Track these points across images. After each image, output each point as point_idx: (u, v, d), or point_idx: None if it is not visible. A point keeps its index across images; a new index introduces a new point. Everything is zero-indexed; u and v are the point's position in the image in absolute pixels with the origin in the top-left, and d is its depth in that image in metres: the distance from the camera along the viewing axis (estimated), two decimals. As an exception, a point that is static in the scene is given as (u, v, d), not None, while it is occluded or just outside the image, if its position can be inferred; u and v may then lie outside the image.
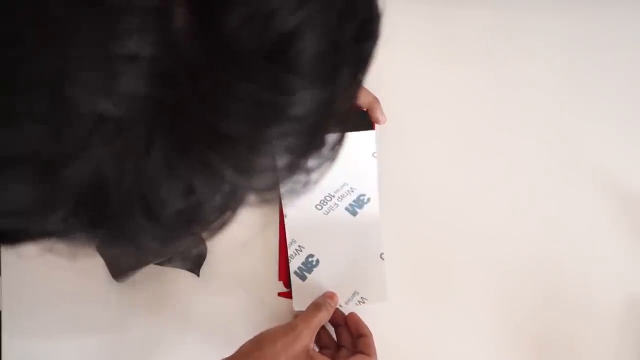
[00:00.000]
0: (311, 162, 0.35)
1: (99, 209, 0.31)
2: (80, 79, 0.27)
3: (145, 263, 0.84)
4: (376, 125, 0.85)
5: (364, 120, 0.84)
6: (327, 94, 0.32)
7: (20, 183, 0.29)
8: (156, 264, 0.84)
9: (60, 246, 0.34)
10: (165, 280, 0.86)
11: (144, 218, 0.31)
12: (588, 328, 0.85)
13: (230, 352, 0.79)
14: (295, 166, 0.34)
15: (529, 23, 0.89)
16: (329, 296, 0.81)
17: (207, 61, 0.28)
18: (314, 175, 0.36)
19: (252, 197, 0.35)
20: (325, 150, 0.35)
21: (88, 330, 0.86)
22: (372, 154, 0.83)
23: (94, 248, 0.34)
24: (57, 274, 0.86)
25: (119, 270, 0.85)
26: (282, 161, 0.33)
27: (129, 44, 0.27)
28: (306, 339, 0.75)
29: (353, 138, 0.82)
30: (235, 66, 0.29)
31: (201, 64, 0.28)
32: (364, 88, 0.82)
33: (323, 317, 0.79)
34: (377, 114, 0.83)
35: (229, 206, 0.34)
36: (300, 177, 0.36)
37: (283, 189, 0.36)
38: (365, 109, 0.83)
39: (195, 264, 0.85)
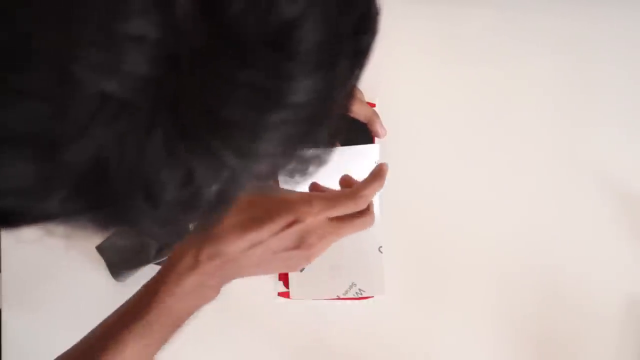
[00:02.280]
0: (309, 153, 0.35)
1: (100, 191, 0.31)
2: (87, 57, 0.27)
3: (145, 263, 0.84)
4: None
5: (364, 134, 0.84)
6: (326, 83, 0.32)
7: (23, 161, 0.29)
8: (156, 264, 0.84)
9: (59, 229, 0.34)
10: (165, 280, 0.86)
11: (144, 201, 0.32)
12: (588, 328, 0.85)
13: (230, 352, 0.79)
14: (294, 155, 0.35)
15: (530, 23, 0.89)
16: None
17: (210, 46, 0.29)
18: (311, 166, 0.37)
19: (251, 184, 0.35)
20: (323, 141, 0.36)
21: (88, 330, 0.86)
22: (374, 161, 0.83)
23: (94, 231, 0.34)
24: (58, 274, 0.86)
25: (119, 270, 0.85)
26: (281, 149, 0.33)
27: (135, 24, 0.27)
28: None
29: (356, 150, 0.82)
30: (237, 52, 0.29)
31: (204, 48, 0.29)
32: (363, 102, 0.82)
33: None
34: (377, 127, 0.83)
35: (228, 193, 0.35)
36: (298, 167, 0.36)
37: (282, 179, 0.37)
38: (365, 122, 0.83)
39: (195, 264, 0.85)
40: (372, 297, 0.84)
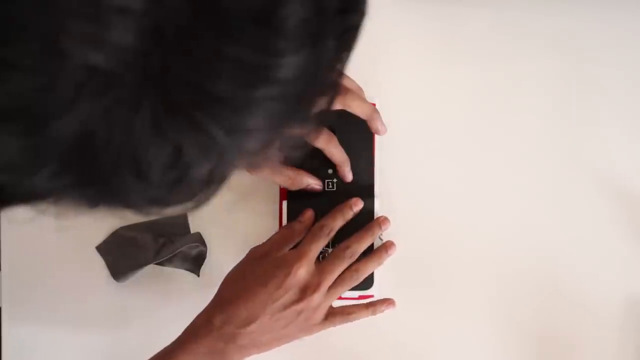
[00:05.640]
0: (296, 131, 0.36)
1: (88, 167, 0.31)
2: (73, 29, 0.27)
3: (145, 263, 0.84)
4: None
5: (364, 131, 0.84)
6: (313, 60, 0.32)
7: (9, 136, 0.29)
8: (156, 264, 0.84)
9: (51, 209, 0.34)
10: (165, 280, 0.86)
11: (133, 177, 0.32)
12: (588, 328, 0.85)
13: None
14: (280, 131, 0.35)
15: (529, 23, 0.89)
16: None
17: (196, 21, 0.29)
18: (298, 143, 0.37)
19: (240, 162, 0.35)
20: (311, 121, 0.36)
21: (88, 330, 0.86)
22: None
23: (85, 209, 0.34)
24: (58, 274, 0.86)
25: (119, 270, 0.85)
26: (269, 125, 0.33)
27: None
28: (264, 246, 0.75)
29: None
30: (223, 27, 0.29)
31: (190, 23, 0.29)
32: (364, 99, 0.82)
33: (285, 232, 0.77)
34: (377, 125, 0.82)
35: (218, 171, 0.35)
36: (286, 144, 0.37)
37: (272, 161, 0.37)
38: (365, 120, 0.83)
39: (195, 264, 0.85)
40: (372, 296, 0.84)
